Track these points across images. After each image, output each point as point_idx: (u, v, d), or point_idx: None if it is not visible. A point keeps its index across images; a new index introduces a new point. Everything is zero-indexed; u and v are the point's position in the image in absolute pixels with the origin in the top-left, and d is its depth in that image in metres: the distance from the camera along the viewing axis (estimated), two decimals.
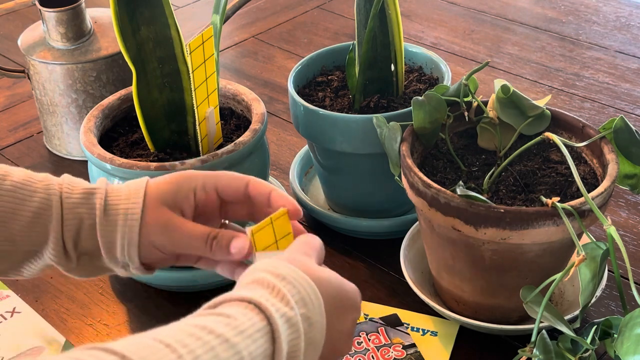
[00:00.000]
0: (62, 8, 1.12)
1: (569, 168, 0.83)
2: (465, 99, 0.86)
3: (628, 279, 0.68)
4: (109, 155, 0.87)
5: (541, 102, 0.87)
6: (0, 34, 1.59)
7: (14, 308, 0.94)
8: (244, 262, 0.72)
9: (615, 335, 0.67)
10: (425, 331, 0.89)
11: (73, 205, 0.68)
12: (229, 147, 0.87)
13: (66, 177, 0.69)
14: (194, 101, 0.85)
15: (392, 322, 0.90)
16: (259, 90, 1.35)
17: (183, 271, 0.91)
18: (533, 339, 0.70)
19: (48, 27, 1.14)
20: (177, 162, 0.85)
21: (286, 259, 0.62)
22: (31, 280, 0.97)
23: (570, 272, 0.70)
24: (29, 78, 1.19)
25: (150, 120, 0.91)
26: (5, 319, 0.93)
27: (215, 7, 0.90)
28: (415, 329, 0.89)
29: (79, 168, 1.19)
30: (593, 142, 0.83)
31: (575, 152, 0.86)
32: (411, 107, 0.84)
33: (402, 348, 0.86)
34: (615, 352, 0.66)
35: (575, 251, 0.71)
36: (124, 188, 0.68)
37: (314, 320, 0.59)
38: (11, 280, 0.97)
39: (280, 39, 1.53)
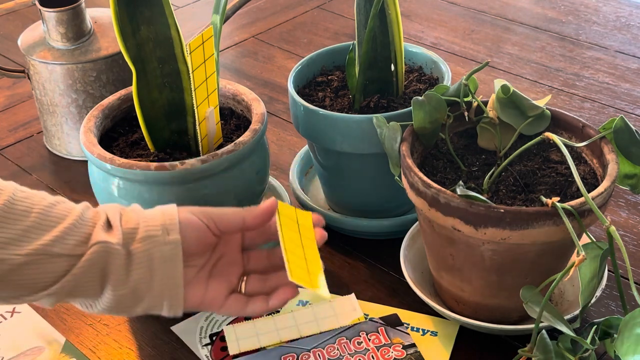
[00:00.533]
0: (62, 8, 1.12)
1: (569, 168, 0.83)
2: (465, 99, 0.86)
3: (628, 279, 0.68)
4: (109, 155, 0.87)
5: (541, 102, 0.87)
6: (0, 34, 1.59)
7: (14, 308, 0.94)
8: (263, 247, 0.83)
9: (615, 335, 0.67)
10: (425, 331, 0.89)
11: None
12: (229, 147, 0.87)
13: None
14: (194, 101, 0.85)
15: (392, 322, 0.90)
16: (259, 90, 1.35)
17: None
18: (533, 339, 0.70)
19: (48, 27, 1.14)
20: (177, 162, 0.85)
21: None
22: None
23: (570, 272, 0.70)
24: (29, 78, 1.19)
25: (150, 120, 0.91)
26: (5, 318, 0.93)
27: (215, 7, 0.90)
28: (415, 329, 0.89)
29: (79, 168, 1.19)
30: (593, 142, 0.83)
31: (575, 152, 0.86)
32: (411, 107, 0.84)
33: (402, 348, 0.86)
34: (615, 352, 0.66)
35: (575, 251, 0.71)
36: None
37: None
38: None
39: (280, 39, 1.53)
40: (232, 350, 0.87)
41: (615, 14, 1.55)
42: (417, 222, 0.94)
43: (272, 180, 1.06)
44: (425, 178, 0.79)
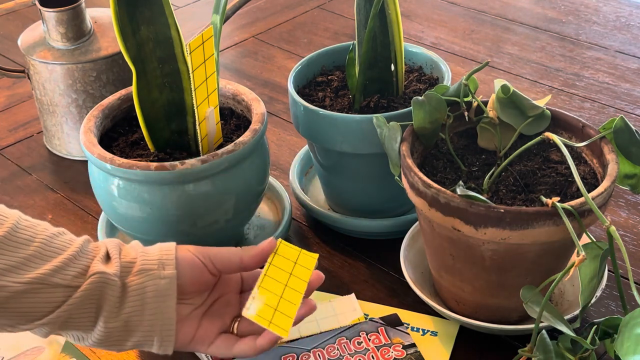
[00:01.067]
0: (62, 8, 1.12)
1: (569, 168, 0.83)
2: (465, 99, 0.86)
3: (628, 279, 0.68)
4: (109, 155, 0.87)
5: (541, 102, 0.87)
6: (0, 34, 1.59)
7: None
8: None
9: (615, 335, 0.67)
10: (425, 331, 0.89)
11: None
12: (229, 147, 0.87)
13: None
14: (194, 101, 0.85)
15: (392, 322, 0.90)
16: (259, 90, 1.35)
17: None
18: (533, 339, 0.70)
19: (48, 27, 1.14)
20: (177, 162, 0.85)
21: None
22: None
23: (570, 272, 0.70)
24: (29, 78, 1.19)
25: (150, 120, 0.91)
26: None
27: (215, 7, 0.90)
28: (415, 329, 0.89)
29: (79, 168, 1.19)
30: (593, 142, 0.83)
31: (575, 152, 0.86)
32: (411, 107, 0.84)
33: (402, 348, 0.86)
34: (615, 352, 0.66)
35: (575, 251, 0.71)
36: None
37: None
38: None
39: (280, 39, 1.53)
40: None
41: (615, 14, 1.55)
42: (417, 222, 0.94)
43: (272, 180, 1.06)
44: (425, 178, 0.79)
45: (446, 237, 0.81)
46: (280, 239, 0.81)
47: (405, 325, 0.89)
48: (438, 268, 0.88)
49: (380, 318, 0.90)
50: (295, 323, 0.77)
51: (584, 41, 1.46)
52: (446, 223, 0.78)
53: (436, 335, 0.88)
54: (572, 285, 0.91)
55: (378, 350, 0.86)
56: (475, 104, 0.87)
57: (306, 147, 1.11)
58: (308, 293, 0.79)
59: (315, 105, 0.96)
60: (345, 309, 0.91)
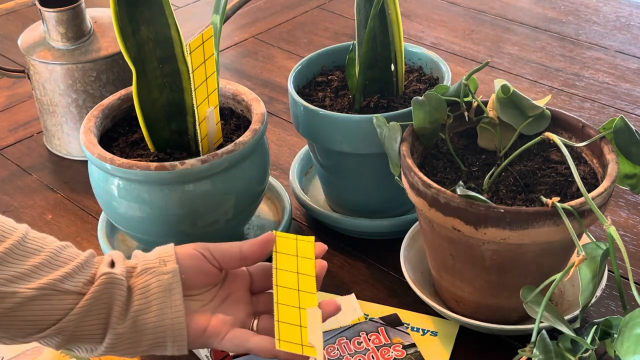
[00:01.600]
0: (62, 8, 1.12)
1: (569, 168, 0.83)
2: (465, 99, 0.86)
3: (628, 279, 0.68)
4: (109, 155, 0.87)
5: (541, 102, 0.87)
6: (0, 34, 1.59)
7: None
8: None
9: (615, 335, 0.67)
10: (425, 331, 0.89)
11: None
12: (229, 147, 0.87)
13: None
14: (194, 101, 0.85)
15: (392, 322, 0.90)
16: (259, 90, 1.35)
17: None
18: (533, 339, 0.69)
19: (48, 27, 1.14)
20: (177, 162, 0.85)
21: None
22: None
23: (570, 272, 0.70)
24: (29, 78, 1.19)
25: (150, 120, 0.91)
26: None
27: (215, 7, 0.90)
28: (415, 329, 0.89)
29: (79, 168, 1.19)
30: (593, 142, 0.83)
31: (575, 152, 0.86)
32: (411, 107, 0.84)
33: (402, 348, 0.86)
34: (615, 352, 0.66)
35: (575, 251, 0.71)
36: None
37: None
38: None
39: (280, 39, 1.53)
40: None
41: (615, 14, 1.55)
42: (417, 222, 0.94)
43: (272, 180, 1.06)
44: (425, 178, 0.79)
45: (446, 237, 0.81)
46: (275, 231, 0.80)
47: (405, 325, 0.89)
48: (438, 268, 0.88)
49: (380, 318, 0.90)
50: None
51: (584, 41, 1.46)
52: (446, 223, 0.78)
53: (436, 335, 0.88)
54: (572, 285, 0.91)
55: (378, 351, 0.86)
56: (475, 104, 0.87)
57: (306, 147, 1.11)
58: (317, 285, 0.79)
59: (315, 105, 0.96)
60: (345, 309, 0.91)
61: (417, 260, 0.93)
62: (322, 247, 0.81)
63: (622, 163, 0.82)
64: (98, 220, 1.02)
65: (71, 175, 1.18)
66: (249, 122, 0.94)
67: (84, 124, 0.92)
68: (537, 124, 0.86)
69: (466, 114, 0.86)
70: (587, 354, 0.70)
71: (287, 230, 0.99)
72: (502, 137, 0.86)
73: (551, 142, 0.80)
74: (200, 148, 0.90)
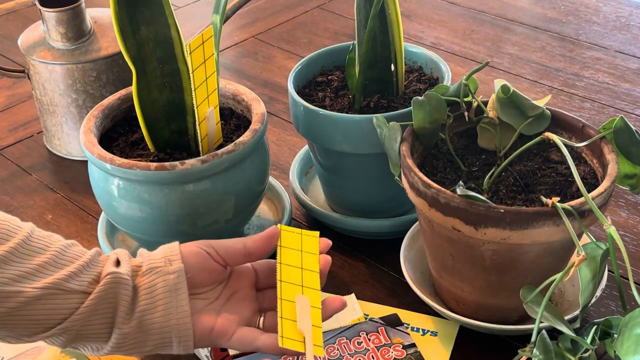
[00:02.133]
0: (62, 8, 1.12)
1: (569, 168, 0.83)
2: (465, 99, 0.86)
3: (628, 279, 0.68)
4: (109, 155, 0.87)
5: (541, 102, 0.87)
6: (0, 34, 1.59)
7: None
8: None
9: (615, 335, 0.67)
10: (425, 331, 0.89)
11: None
12: (229, 147, 0.87)
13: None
14: (194, 101, 0.85)
15: (392, 322, 0.90)
16: (259, 90, 1.35)
17: None
18: (533, 339, 0.69)
19: (48, 27, 1.14)
20: (177, 162, 0.85)
21: None
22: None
23: (570, 272, 0.70)
24: (29, 78, 1.19)
25: (150, 120, 0.91)
26: None
27: (215, 7, 0.90)
28: (415, 329, 0.89)
29: (79, 168, 1.19)
30: (593, 142, 0.83)
31: (575, 152, 0.86)
32: (411, 107, 0.84)
33: (402, 348, 0.86)
34: (615, 352, 0.66)
35: (575, 251, 0.71)
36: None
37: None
38: None
39: (280, 39, 1.53)
40: (233, 350, 0.86)
41: (615, 14, 1.55)
42: (417, 222, 0.94)
43: (272, 180, 1.06)
44: (425, 178, 0.79)
45: (446, 237, 0.81)
46: (280, 225, 0.80)
47: (405, 325, 0.89)
48: (438, 268, 0.88)
49: (380, 318, 0.90)
50: (325, 319, 0.76)
51: (584, 41, 1.46)
52: (446, 223, 0.78)
53: (436, 335, 0.88)
54: (572, 285, 0.91)
55: (378, 351, 0.86)
56: (475, 104, 0.87)
57: (306, 147, 1.11)
58: (322, 280, 0.79)
59: (315, 105, 0.96)
60: (345, 309, 0.91)
61: (417, 260, 0.93)
62: (327, 242, 0.81)
63: (622, 163, 0.82)
64: (98, 220, 1.02)
65: (71, 175, 1.18)
66: (249, 122, 0.94)
67: (84, 124, 0.92)
68: (537, 124, 0.86)
69: (466, 114, 0.86)
70: (587, 354, 0.70)
71: None
72: (502, 137, 0.86)
73: (551, 142, 0.80)
74: (200, 148, 0.90)
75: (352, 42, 1.00)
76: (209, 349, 0.87)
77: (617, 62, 1.39)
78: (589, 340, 0.70)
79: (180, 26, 0.89)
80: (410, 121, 0.85)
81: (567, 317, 0.81)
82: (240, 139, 0.88)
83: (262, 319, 0.78)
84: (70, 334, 0.72)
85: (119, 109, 0.97)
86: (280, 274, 0.77)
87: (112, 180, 0.88)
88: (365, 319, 0.90)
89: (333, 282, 0.96)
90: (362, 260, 1.00)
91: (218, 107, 0.91)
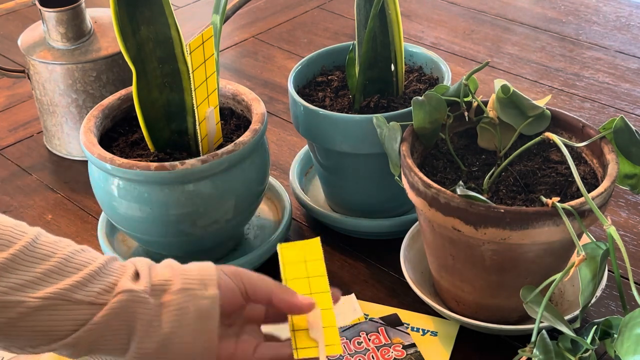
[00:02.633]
0: (62, 8, 1.12)
1: (569, 168, 0.83)
2: (465, 99, 0.86)
3: (628, 279, 0.68)
4: (109, 155, 0.87)
5: (541, 102, 0.87)
6: (0, 34, 1.59)
7: None
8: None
9: (615, 335, 0.67)
10: (425, 331, 0.89)
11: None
12: (229, 147, 0.87)
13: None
14: (194, 101, 0.85)
15: (392, 322, 0.90)
16: (259, 90, 1.35)
17: None
18: (533, 339, 0.69)
19: (48, 27, 1.14)
20: (177, 162, 0.85)
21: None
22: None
23: (570, 272, 0.70)
24: (29, 78, 1.19)
25: (150, 120, 0.91)
26: None
27: (215, 7, 0.90)
28: (415, 329, 0.89)
29: (79, 168, 1.19)
30: (593, 142, 0.83)
31: (575, 152, 0.86)
32: (411, 107, 0.84)
33: (402, 348, 0.86)
34: (615, 352, 0.66)
35: (575, 251, 0.71)
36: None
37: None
38: None
39: (280, 39, 1.53)
40: None
41: (615, 14, 1.55)
42: (417, 222, 0.94)
43: (272, 180, 1.06)
44: (425, 178, 0.79)
45: (446, 237, 0.81)
46: (279, 244, 0.78)
47: (405, 325, 0.89)
48: (438, 268, 0.88)
49: (380, 318, 0.90)
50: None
51: (584, 41, 1.46)
52: (446, 223, 0.78)
53: (436, 335, 0.88)
54: (572, 285, 0.91)
55: (378, 350, 0.86)
56: (475, 104, 0.87)
57: (306, 147, 1.11)
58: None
59: (315, 105, 0.96)
60: (345, 309, 0.91)
61: (417, 260, 0.93)
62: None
63: (622, 163, 0.82)
64: (98, 220, 1.02)
65: (71, 175, 1.18)
66: (249, 122, 0.94)
67: (84, 124, 0.92)
68: (537, 124, 0.86)
69: (466, 114, 0.86)
70: (587, 354, 0.70)
71: (287, 230, 0.99)
72: (502, 137, 0.86)
73: (551, 142, 0.80)
74: (200, 148, 0.90)
75: (352, 42, 1.00)
76: None
77: (617, 62, 1.39)
78: (589, 340, 0.70)
79: (180, 26, 0.89)
80: (410, 121, 0.85)
81: (567, 317, 0.81)
82: (240, 139, 0.88)
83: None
84: (81, 347, 0.67)
85: (119, 109, 0.97)
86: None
87: (112, 180, 0.88)
88: (365, 319, 0.90)
89: (333, 282, 0.95)
90: (362, 260, 1.00)
91: (218, 107, 0.91)
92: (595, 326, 0.71)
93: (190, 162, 0.85)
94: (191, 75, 0.83)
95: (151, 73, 0.89)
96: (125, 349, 0.68)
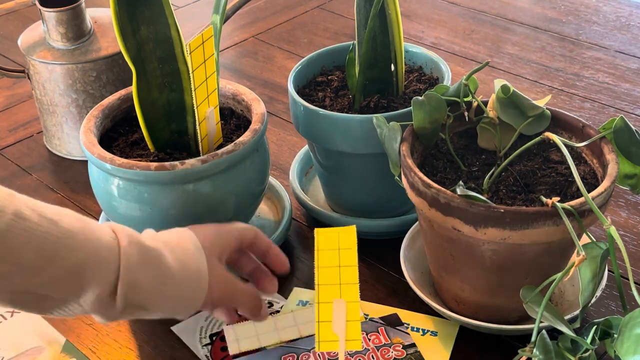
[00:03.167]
0: (62, 8, 1.12)
1: (569, 168, 0.83)
2: (465, 99, 0.86)
3: (628, 279, 0.68)
4: (109, 155, 0.87)
5: (541, 102, 0.87)
6: (0, 34, 1.59)
7: None
8: None
9: (615, 335, 0.67)
10: (425, 331, 0.89)
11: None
12: (229, 147, 0.87)
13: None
14: (194, 101, 0.85)
15: (392, 322, 0.90)
16: (259, 90, 1.35)
17: None
18: (533, 339, 0.69)
19: (48, 27, 1.14)
20: (177, 162, 0.85)
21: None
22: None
23: (570, 272, 0.70)
24: (29, 78, 1.19)
25: (150, 120, 0.91)
26: (5, 319, 0.93)
27: (215, 7, 0.90)
28: (415, 329, 0.89)
29: (79, 168, 1.19)
30: (593, 142, 0.83)
31: (575, 152, 0.86)
32: (411, 107, 0.84)
33: (402, 348, 0.86)
34: (615, 352, 0.66)
35: (575, 251, 0.71)
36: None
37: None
38: None
39: (280, 39, 1.53)
40: (232, 350, 0.87)
41: (615, 14, 1.55)
42: (417, 222, 0.94)
43: (272, 180, 1.06)
44: (425, 178, 0.79)
45: (446, 237, 0.81)
46: (316, 229, 0.80)
47: (405, 325, 0.89)
48: (438, 268, 0.88)
49: (380, 318, 0.90)
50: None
51: (584, 41, 1.46)
52: (446, 223, 0.78)
53: (436, 335, 0.88)
54: (572, 285, 0.91)
55: (378, 350, 0.86)
56: (475, 104, 0.87)
57: (306, 147, 1.11)
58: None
59: (315, 105, 0.96)
60: None
61: (417, 260, 0.93)
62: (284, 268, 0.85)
63: (622, 163, 0.82)
64: (98, 220, 1.02)
65: (71, 175, 1.18)
66: (249, 122, 0.94)
67: (84, 124, 0.92)
68: (537, 124, 0.86)
69: (466, 114, 0.86)
70: (587, 354, 0.70)
71: (287, 230, 0.99)
72: (502, 137, 0.86)
73: (551, 142, 0.80)
74: (200, 148, 0.90)
75: (352, 42, 1.00)
76: (209, 349, 0.87)
77: (617, 62, 1.39)
78: (589, 340, 0.70)
79: (180, 26, 0.89)
80: (410, 121, 0.85)
81: (567, 317, 0.81)
82: (240, 139, 0.88)
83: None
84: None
85: (119, 109, 0.97)
86: (318, 277, 0.77)
87: (112, 180, 0.88)
88: (365, 319, 0.90)
89: None
90: (362, 260, 1.00)
91: (218, 107, 0.91)
92: (595, 326, 0.71)
93: (190, 162, 0.85)
94: (191, 75, 0.83)
95: (151, 73, 0.89)
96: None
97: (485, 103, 0.88)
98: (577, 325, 0.73)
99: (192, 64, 0.83)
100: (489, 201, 0.76)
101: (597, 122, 1.23)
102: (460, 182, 0.80)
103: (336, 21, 1.58)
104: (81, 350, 0.89)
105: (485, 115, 0.87)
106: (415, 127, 0.85)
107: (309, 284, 0.96)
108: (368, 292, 0.95)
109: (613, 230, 0.70)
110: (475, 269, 0.82)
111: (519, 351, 0.70)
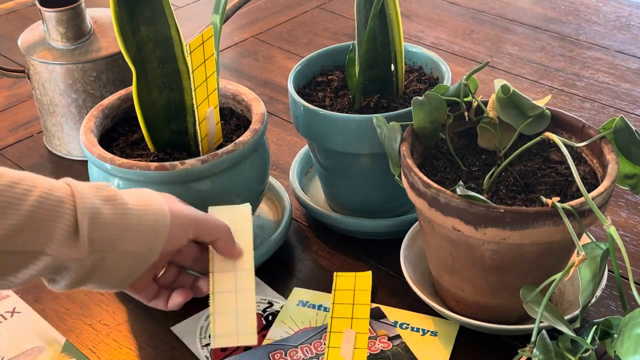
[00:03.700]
0: (62, 8, 1.12)
1: (569, 168, 0.83)
2: (465, 99, 0.86)
3: (628, 279, 0.68)
4: (109, 155, 0.87)
5: (541, 102, 0.87)
6: (0, 34, 1.59)
7: (14, 308, 0.94)
8: None
9: (615, 335, 0.67)
10: (425, 331, 0.89)
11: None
12: (229, 147, 0.87)
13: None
14: (194, 101, 0.85)
15: (376, 315, 0.90)
16: (259, 90, 1.35)
17: None
18: (533, 339, 0.69)
19: (48, 27, 1.14)
20: (177, 162, 0.85)
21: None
22: (31, 281, 0.97)
23: (570, 272, 0.70)
24: (29, 78, 1.19)
25: (150, 120, 0.91)
26: (5, 319, 0.93)
27: (215, 7, 0.90)
28: (415, 329, 0.89)
29: (79, 168, 1.19)
30: (593, 142, 0.83)
31: (575, 152, 0.86)
32: (411, 107, 0.84)
33: (387, 340, 0.87)
34: (615, 352, 0.66)
35: (575, 251, 0.71)
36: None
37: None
38: None
39: (280, 39, 1.53)
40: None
41: (615, 14, 1.55)
42: (417, 222, 0.94)
43: (272, 180, 1.06)
44: (425, 178, 0.79)
45: (446, 237, 0.81)
46: (335, 273, 0.92)
47: (394, 323, 0.89)
48: (438, 268, 0.88)
49: None
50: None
51: (584, 41, 1.46)
52: (446, 223, 0.78)
53: (436, 335, 0.88)
54: (572, 285, 0.91)
55: None
56: (475, 104, 0.87)
57: (306, 147, 1.11)
58: None
59: (315, 105, 0.96)
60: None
61: (417, 260, 0.93)
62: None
63: (622, 163, 0.82)
64: None
65: (71, 175, 1.16)
66: (249, 122, 0.94)
67: (84, 124, 0.92)
68: (537, 124, 0.86)
69: (466, 114, 0.86)
70: (587, 354, 0.70)
71: (287, 230, 0.99)
72: (502, 137, 0.86)
73: (551, 142, 0.80)
74: (200, 148, 0.90)
75: (352, 42, 1.00)
76: (209, 349, 0.87)
77: (617, 62, 1.39)
78: (589, 340, 0.70)
79: (180, 26, 0.89)
80: (410, 121, 0.85)
81: (567, 317, 0.81)
82: (240, 139, 0.88)
83: (162, 271, 0.82)
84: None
85: (119, 109, 0.97)
86: (332, 311, 0.88)
87: (112, 180, 0.88)
88: None
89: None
90: (362, 260, 1.00)
91: (218, 107, 0.91)
92: (595, 326, 0.71)
93: (190, 162, 0.85)
94: (191, 75, 0.83)
95: (151, 73, 0.89)
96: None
97: (485, 103, 0.88)
98: (577, 325, 0.73)
99: (192, 64, 0.83)
100: (489, 201, 0.76)
101: (597, 122, 1.23)
102: (460, 182, 0.80)
103: (336, 21, 1.58)
104: (81, 350, 0.89)
105: (485, 115, 0.87)
106: (415, 127, 0.85)
107: (309, 284, 0.96)
108: None
109: (613, 230, 0.70)
110: (475, 269, 0.82)
111: (519, 351, 0.70)
